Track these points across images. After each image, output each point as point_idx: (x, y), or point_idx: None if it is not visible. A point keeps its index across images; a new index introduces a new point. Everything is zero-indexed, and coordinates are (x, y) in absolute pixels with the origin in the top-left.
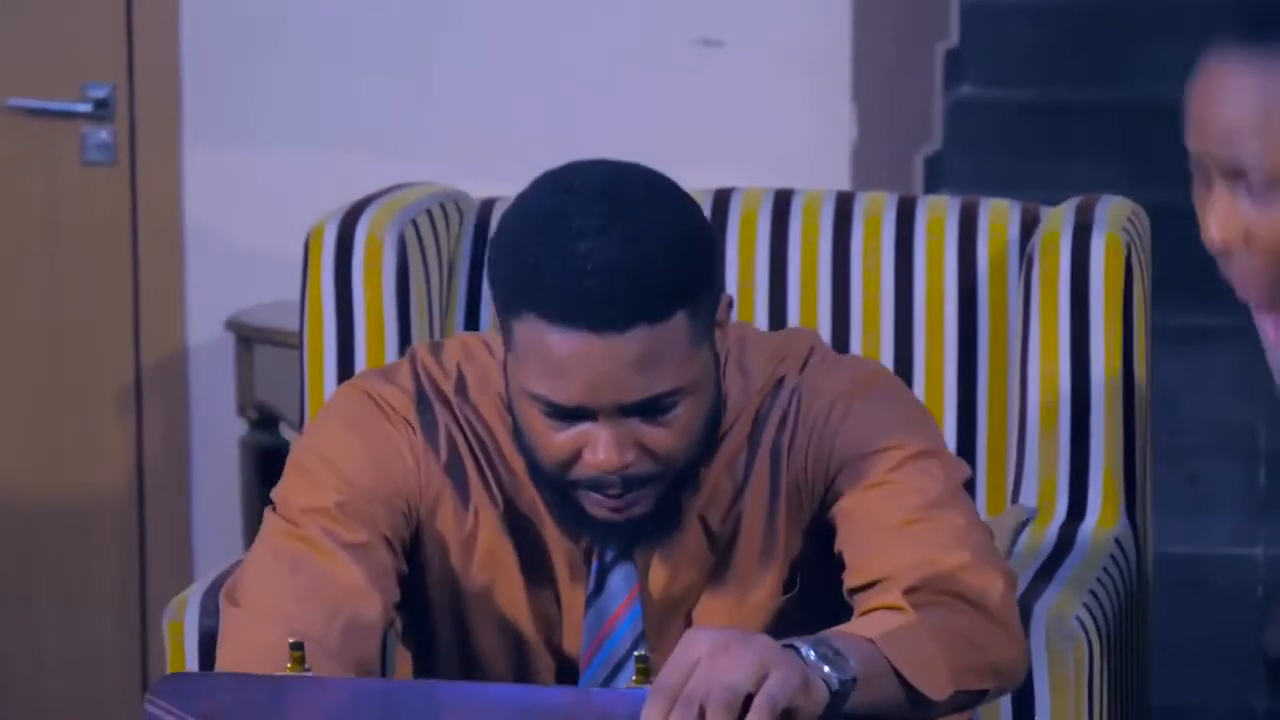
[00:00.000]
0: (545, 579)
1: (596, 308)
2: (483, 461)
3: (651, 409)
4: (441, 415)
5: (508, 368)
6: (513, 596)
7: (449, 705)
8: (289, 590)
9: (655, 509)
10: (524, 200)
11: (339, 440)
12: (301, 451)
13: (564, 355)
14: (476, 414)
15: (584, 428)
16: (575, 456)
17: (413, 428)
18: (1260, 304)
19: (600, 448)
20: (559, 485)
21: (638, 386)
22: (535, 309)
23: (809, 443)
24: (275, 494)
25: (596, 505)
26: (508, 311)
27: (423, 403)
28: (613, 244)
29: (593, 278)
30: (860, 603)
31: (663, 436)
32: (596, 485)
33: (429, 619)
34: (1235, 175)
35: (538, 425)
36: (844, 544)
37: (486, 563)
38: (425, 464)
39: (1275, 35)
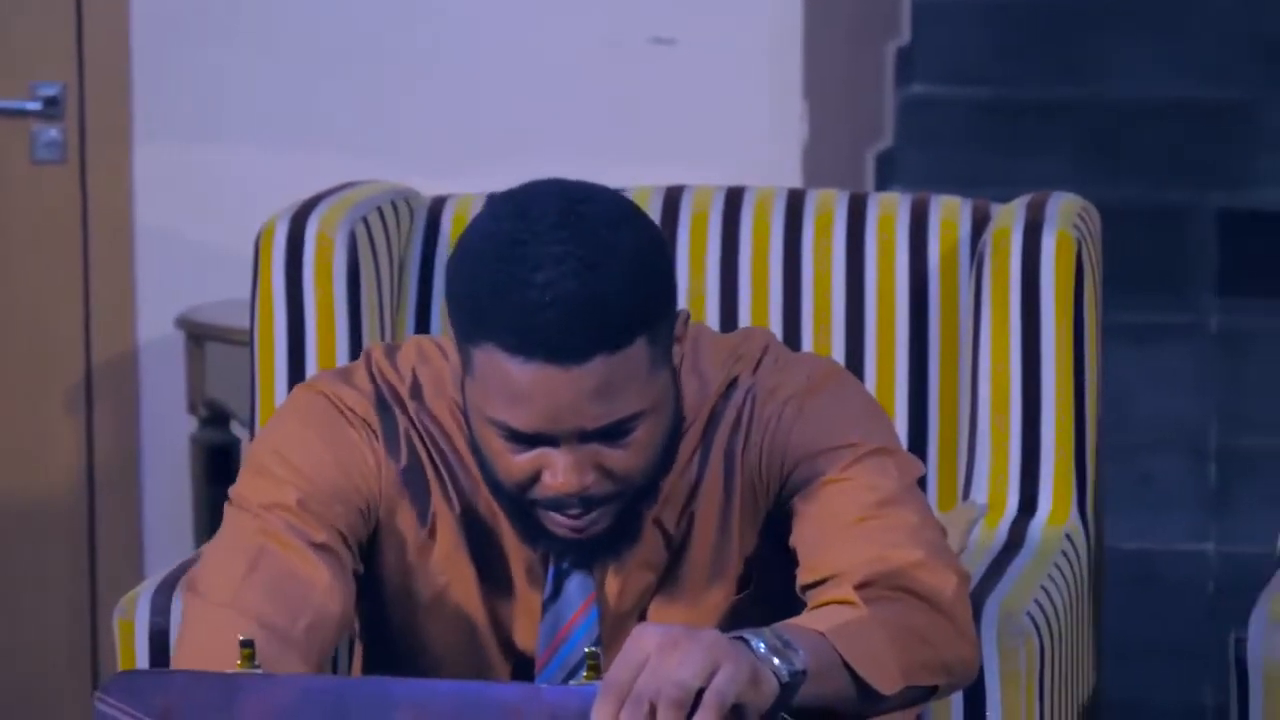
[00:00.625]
0: (502, 582)
1: (556, 339)
2: (440, 466)
3: (612, 433)
4: (400, 420)
5: (466, 389)
6: (469, 599)
7: (401, 701)
8: (253, 582)
9: (615, 524)
10: (480, 225)
11: (298, 439)
12: (259, 451)
13: (523, 385)
14: (433, 419)
15: (543, 451)
16: (535, 478)
17: (373, 431)
18: None
19: (560, 471)
20: (518, 503)
21: (598, 414)
22: (494, 339)
23: (763, 441)
24: (233, 492)
25: (556, 524)
26: (466, 339)
27: (382, 406)
28: (571, 273)
29: (552, 309)
30: (812, 599)
31: (623, 458)
32: (556, 505)
33: (385, 618)
34: None
35: (496, 447)
36: (797, 541)
37: (443, 565)
38: (385, 466)
39: None
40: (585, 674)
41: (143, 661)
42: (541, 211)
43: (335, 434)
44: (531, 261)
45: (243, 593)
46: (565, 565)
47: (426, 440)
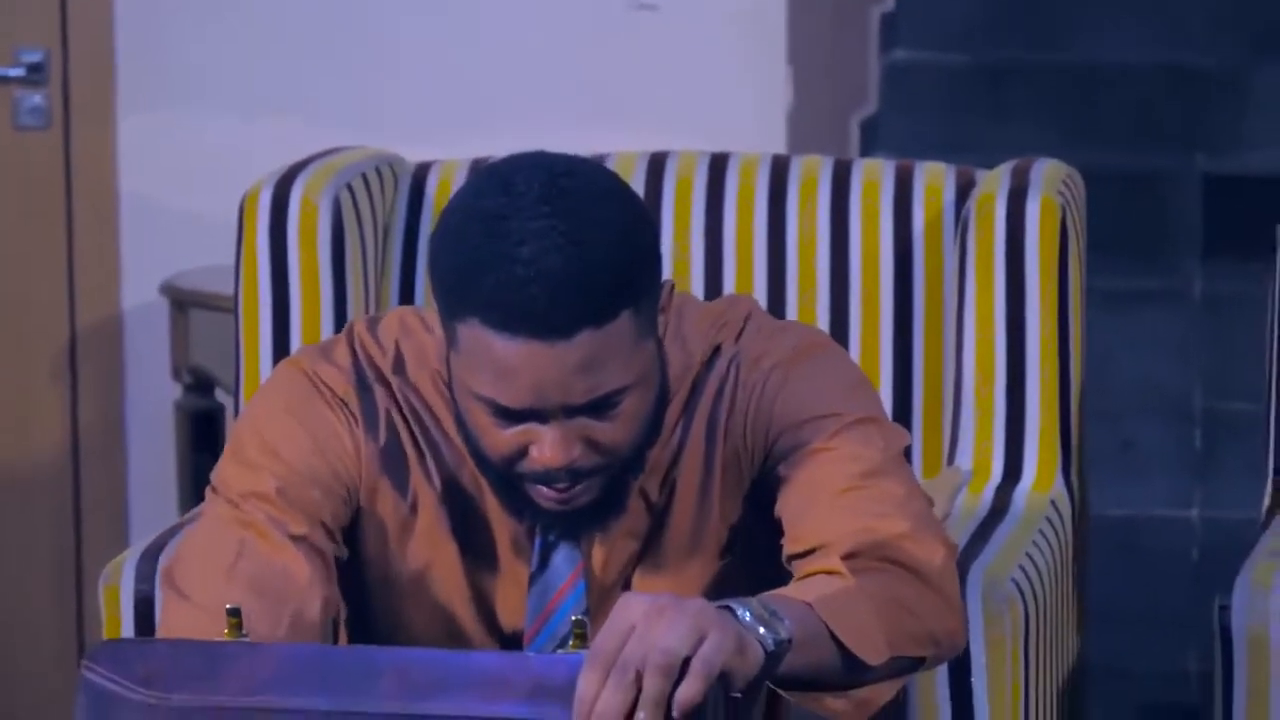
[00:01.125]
0: (487, 557)
1: (541, 316)
2: (422, 441)
3: (599, 407)
4: (380, 396)
5: (451, 364)
6: (451, 577)
7: (385, 669)
8: (234, 581)
9: (601, 495)
10: (463, 199)
11: (278, 424)
12: (242, 432)
13: (509, 361)
14: (415, 393)
15: (530, 426)
16: (522, 452)
17: (351, 412)
18: None
19: (547, 446)
20: (504, 476)
21: (584, 388)
22: (478, 315)
23: (747, 409)
24: (215, 476)
25: (543, 497)
26: (450, 314)
27: (362, 384)
28: (556, 249)
29: (536, 284)
30: (798, 569)
31: (609, 431)
32: (544, 479)
33: (367, 605)
34: None
35: (483, 423)
36: (783, 510)
37: (424, 544)
38: (364, 449)
39: None
40: (572, 643)
41: (128, 627)
42: (526, 185)
43: (313, 417)
44: (515, 236)
45: (225, 593)
46: (552, 537)
47: (408, 415)
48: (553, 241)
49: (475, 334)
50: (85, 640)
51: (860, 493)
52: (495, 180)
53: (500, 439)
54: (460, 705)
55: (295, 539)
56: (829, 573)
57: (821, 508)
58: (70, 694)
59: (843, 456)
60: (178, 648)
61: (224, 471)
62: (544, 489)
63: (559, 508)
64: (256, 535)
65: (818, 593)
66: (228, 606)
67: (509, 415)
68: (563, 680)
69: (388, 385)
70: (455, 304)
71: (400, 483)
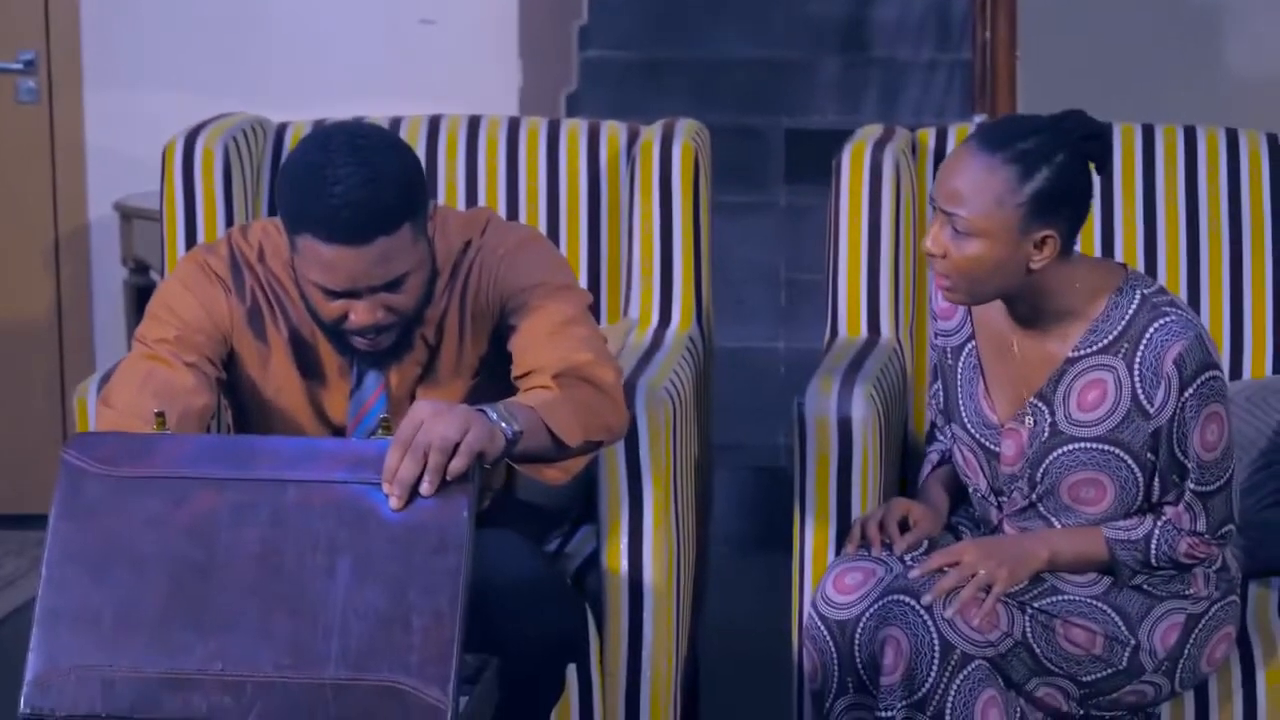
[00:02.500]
0: (319, 377)
1: (350, 231)
2: (275, 306)
3: (391, 286)
4: (248, 276)
5: (295, 262)
6: (294, 394)
7: (262, 450)
8: (145, 393)
9: (396, 341)
10: (296, 154)
11: (178, 295)
12: (154, 302)
13: (332, 261)
14: (272, 274)
15: (348, 300)
16: (344, 317)
17: (227, 286)
18: (946, 293)
19: (360, 312)
20: (334, 330)
21: (380, 275)
22: (309, 231)
23: (488, 281)
24: (137, 331)
25: (359, 343)
26: (291, 230)
27: (235, 268)
28: (357, 186)
29: (346, 211)
30: (522, 385)
31: (399, 300)
32: (359, 332)
33: (245, 411)
34: (949, 216)
35: (318, 298)
36: (512, 347)
37: (277, 373)
38: (235, 310)
39: (1000, 148)
40: (379, 432)
41: (91, 426)
42: (337, 145)
43: (202, 288)
44: (331, 179)
45: (137, 401)
46: (365, 366)
47: (266, 288)
48: (355, 182)
49: (309, 244)
50: (67, 436)
51: (561, 334)
52: (317, 141)
53: (330, 308)
54: (309, 472)
55: (187, 365)
56: (543, 388)
57: (536, 345)
58: (56, 471)
59: (550, 311)
60: (125, 437)
61: (143, 327)
62: (359, 338)
63: (369, 349)
64: (161, 364)
65: (537, 400)
66: (155, 410)
67: (334, 294)
68: (375, 456)
69: (253, 269)
70: (294, 223)
71: (260, 333)
